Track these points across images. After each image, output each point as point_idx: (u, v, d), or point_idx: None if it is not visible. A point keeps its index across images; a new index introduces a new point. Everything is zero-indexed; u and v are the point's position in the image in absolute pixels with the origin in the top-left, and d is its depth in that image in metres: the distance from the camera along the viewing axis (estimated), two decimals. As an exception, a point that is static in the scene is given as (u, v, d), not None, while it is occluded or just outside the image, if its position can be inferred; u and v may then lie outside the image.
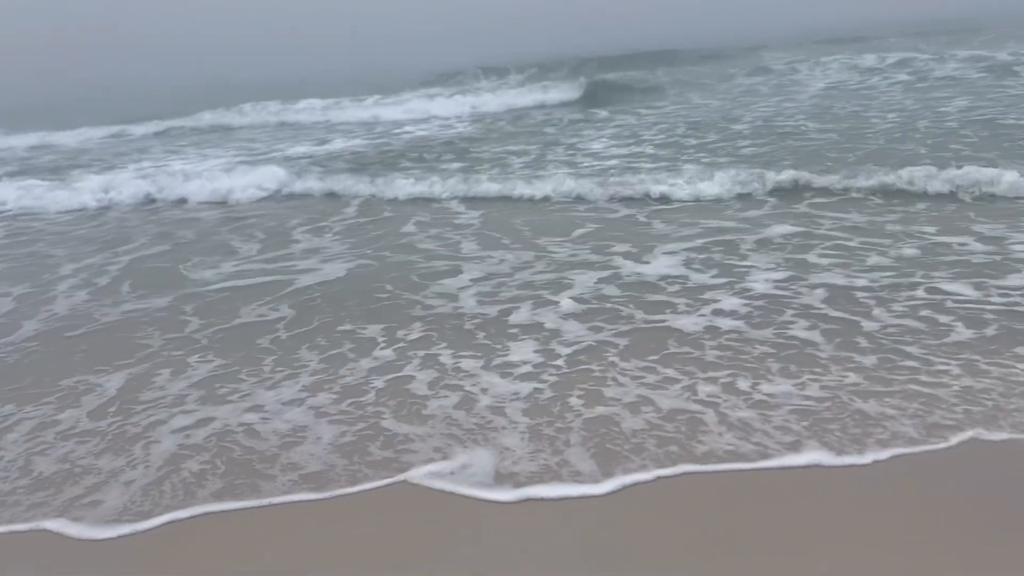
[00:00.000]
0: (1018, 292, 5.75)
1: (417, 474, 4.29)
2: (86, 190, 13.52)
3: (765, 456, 4.24)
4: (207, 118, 23.78)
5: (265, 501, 4.19)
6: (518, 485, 4.10)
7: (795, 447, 4.27)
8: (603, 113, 17.74)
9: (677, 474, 4.13)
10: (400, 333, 6.21)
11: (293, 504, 4.17)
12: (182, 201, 12.73)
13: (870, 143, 11.41)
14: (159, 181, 13.61)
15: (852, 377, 4.91)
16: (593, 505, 3.95)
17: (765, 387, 4.87)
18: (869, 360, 5.07)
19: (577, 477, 4.12)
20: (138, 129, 23.37)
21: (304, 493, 4.24)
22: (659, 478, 4.11)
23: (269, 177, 12.97)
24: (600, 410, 4.75)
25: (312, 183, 12.68)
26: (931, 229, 7.54)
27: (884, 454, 4.16)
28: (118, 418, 5.22)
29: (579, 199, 10.26)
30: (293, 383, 5.49)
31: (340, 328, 6.45)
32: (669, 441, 4.38)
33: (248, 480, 4.38)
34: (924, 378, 4.81)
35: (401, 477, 4.29)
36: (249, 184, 12.76)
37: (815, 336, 5.45)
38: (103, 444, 4.91)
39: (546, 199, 10.46)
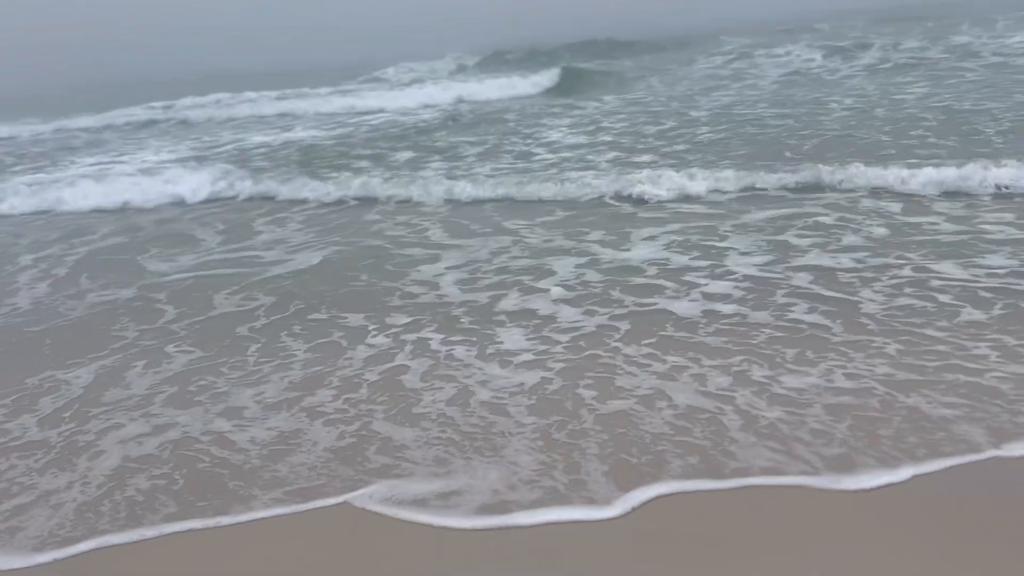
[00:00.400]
0: (1004, 271, 5.71)
1: (397, 497, 3.75)
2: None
3: (810, 472, 3.60)
4: (157, 109, 23.16)
5: (212, 522, 3.71)
6: (514, 511, 3.57)
7: (846, 463, 3.61)
8: (565, 101, 17.69)
9: (701, 491, 3.58)
10: (388, 321, 5.97)
11: (241, 526, 3.67)
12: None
13: (827, 130, 11.48)
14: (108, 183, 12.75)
15: (881, 366, 4.50)
16: (604, 532, 3.43)
17: (788, 379, 4.46)
18: (891, 346, 4.73)
19: (591, 502, 3.59)
20: (86, 121, 22.64)
21: (258, 511, 3.74)
22: (682, 495, 3.57)
23: (209, 180, 12.07)
24: (615, 405, 4.38)
25: (246, 185, 11.65)
26: (896, 207, 7.61)
27: (945, 464, 3.53)
28: (72, 424, 4.79)
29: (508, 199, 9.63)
30: (278, 379, 5.17)
31: (325, 319, 6.18)
32: (692, 450, 3.86)
33: (212, 498, 3.90)
34: (964, 363, 4.42)
35: (362, 498, 3.81)
36: (197, 184, 12.03)
37: (819, 319, 5.24)
38: (48, 457, 4.44)
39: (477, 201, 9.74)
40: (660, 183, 9.20)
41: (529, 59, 25.23)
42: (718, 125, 12.88)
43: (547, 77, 20.30)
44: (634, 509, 3.51)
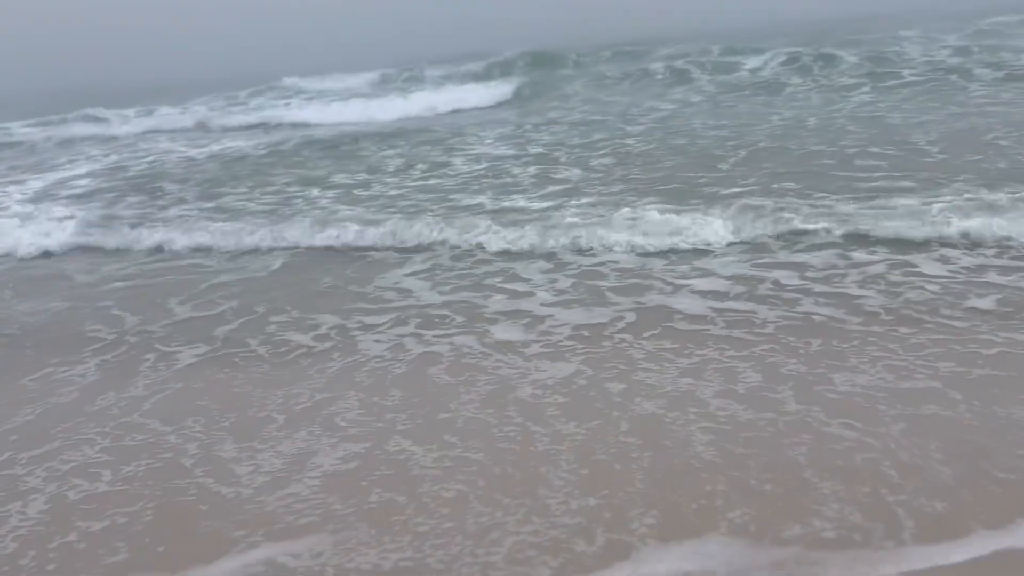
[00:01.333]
0: (976, 267, 5.62)
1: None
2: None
3: (916, 541, 2.67)
4: (76, 125, 21.85)
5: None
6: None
7: (961, 530, 2.62)
8: (501, 114, 17.55)
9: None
10: (383, 321, 5.65)
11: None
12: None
13: (760, 139, 11.61)
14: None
15: (934, 358, 3.87)
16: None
17: (839, 377, 3.90)
18: (921, 335, 4.32)
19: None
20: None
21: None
22: None
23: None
24: (648, 407, 4.00)
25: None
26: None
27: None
28: (9, 452, 4.19)
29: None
30: (275, 383, 4.77)
31: (318, 320, 5.80)
32: (748, 496, 3.08)
33: (181, 548, 3.28)
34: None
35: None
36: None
37: (828, 310, 5.01)
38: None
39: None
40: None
41: (462, 71, 24.99)
42: (650, 136, 12.90)
43: (487, 89, 20.09)
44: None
